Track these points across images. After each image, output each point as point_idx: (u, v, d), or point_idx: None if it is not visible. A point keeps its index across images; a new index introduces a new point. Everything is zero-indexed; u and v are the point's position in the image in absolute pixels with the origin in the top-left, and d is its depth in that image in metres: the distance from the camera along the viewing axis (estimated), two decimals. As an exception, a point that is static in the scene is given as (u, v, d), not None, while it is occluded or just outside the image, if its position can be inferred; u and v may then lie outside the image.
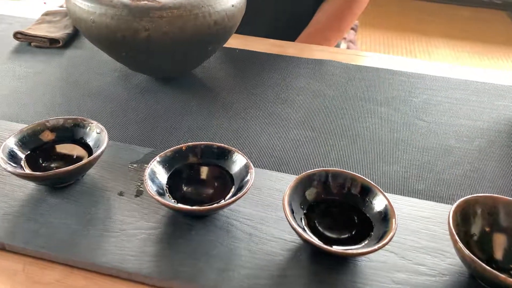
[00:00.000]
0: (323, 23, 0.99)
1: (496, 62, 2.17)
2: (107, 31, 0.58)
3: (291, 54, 0.83)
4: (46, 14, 0.88)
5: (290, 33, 0.98)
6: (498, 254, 0.41)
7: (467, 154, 0.59)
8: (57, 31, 0.82)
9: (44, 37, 0.79)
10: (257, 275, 0.40)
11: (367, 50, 2.16)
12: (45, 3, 1.78)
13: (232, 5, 0.62)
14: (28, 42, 0.80)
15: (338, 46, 1.15)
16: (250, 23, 0.98)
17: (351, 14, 0.98)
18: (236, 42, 0.85)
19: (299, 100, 0.69)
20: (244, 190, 0.42)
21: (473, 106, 0.70)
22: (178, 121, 0.62)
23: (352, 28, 2.06)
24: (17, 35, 0.80)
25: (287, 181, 0.49)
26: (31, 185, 0.47)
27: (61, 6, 1.81)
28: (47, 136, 0.49)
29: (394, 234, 0.39)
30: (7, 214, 0.44)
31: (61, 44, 0.79)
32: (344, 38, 1.86)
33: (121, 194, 0.47)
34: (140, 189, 0.48)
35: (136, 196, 0.47)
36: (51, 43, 0.80)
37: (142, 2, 0.56)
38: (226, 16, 0.61)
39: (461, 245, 0.37)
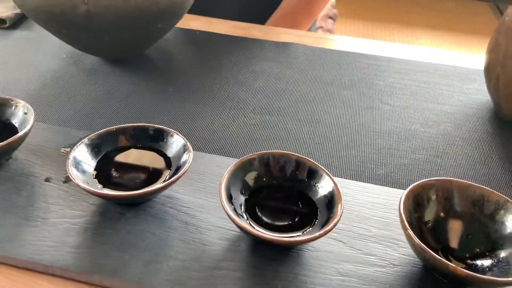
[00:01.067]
0: (293, 6, 0.95)
1: (475, 52, 2.16)
2: (44, 6, 0.53)
3: (256, 37, 0.79)
4: (-4, -6, 0.83)
5: (260, 18, 0.94)
6: (454, 243, 0.38)
7: (432, 139, 0.56)
8: (5, 11, 0.77)
9: (-11, 17, 0.74)
10: (188, 267, 0.36)
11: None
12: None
13: (184, -20, 0.58)
14: (-28, 23, 0.75)
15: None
16: (217, 8, 0.94)
17: (320, 0, 0.95)
18: (197, 24, 0.81)
19: (259, 84, 0.65)
20: (180, 172, 0.38)
21: (442, 90, 0.67)
22: (124, 105, 0.58)
23: (331, 17, 2.03)
24: (-39, 14, 0.75)
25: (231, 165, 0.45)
26: None
27: None
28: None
29: (339, 220, 0.35)
30: None
31: (8, 24, 0.75)
32: (321, 27, 1.82)
33: (47, 180, 0.43)
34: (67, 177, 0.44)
35: (65, 182, 0.43)
36: (-2, 24, 0.75)
37: (81, -26, 0.52)
38: (176, -9, 0.57)
39: (410, 232, 0.34)
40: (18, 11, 0.78)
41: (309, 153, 0.52)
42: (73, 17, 0.53)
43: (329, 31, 1.82)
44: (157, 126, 0.43)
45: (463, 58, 0.76)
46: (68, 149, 0.47)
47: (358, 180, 0.48)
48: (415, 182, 0.37)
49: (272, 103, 0.61)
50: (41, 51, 0.69)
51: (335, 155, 0.52)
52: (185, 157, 0.40)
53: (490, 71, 0.58)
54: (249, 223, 0.37)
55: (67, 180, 0.43)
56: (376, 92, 0.65)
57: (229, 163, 0.45)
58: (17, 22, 0.77)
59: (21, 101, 0.46)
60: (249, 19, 0.91)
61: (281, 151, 0.41)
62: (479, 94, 0.66)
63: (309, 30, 1.03)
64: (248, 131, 0.55)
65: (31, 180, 0.43)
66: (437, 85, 0.68)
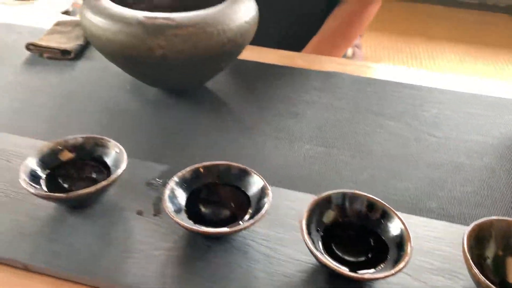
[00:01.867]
0: (334, 30, 1.00)
1: (500, 67, 2.18)
2: (121, 49, 0.59)
3: (300, 66, 0.83)
4: (57, 24, 0.89)
5: (300, 41, 0.99)
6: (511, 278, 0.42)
7: (476, 171, 0.60)
8: (68, 42, 0.83)
9: (56, 49, 0.80)
10: (275, 298, 0.40)
11: (372, 55, 2.16)
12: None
13: (245, 22, 0.63)
14: (40, 53, 0.81)
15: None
16: (259, 31, 0.98)
17: (361, 23, 0.99)
18: (247, 53, 0.86)
19: (310, 114, 0.69)
20: (262, 212, 0.43)
21: (483, 120, 0.70)
22: (189, 136, 0.63)
23: (358, 32, 2.06)
24: (29, 46, 0.81)
25: (302, 200, 0.49)
26: (51, 205, 0.48)
27: (65, 12, 1.81)
28: (66, 155, 0.50)
29: (410, 258, 0.40)
30: (29, 235, 0.45)
31: (72, 55, 0.80)
32: (350, 43, 1.86)
33: (139, 213, 0.48)
34: (158, 207, 0.49)
35: (155, 215, 0.48)
36: (63, 55, 0.80)
37: (158, 20, 0.57)
38: (239, 33, 0.62)
39: (476, 270, 0.38)
40: (81, 42, 0.84)
41: (365, 185, 0.56)
42: (149, 59, 0.59)
43: (357, 46, 1.87)
44: (240, 165, 0.48)
45: (501, 87, 0.80)
46: (152, 183, 0.52)
47: (413, 213, 0.52)
48: (465, 214, 0.41)
49: (325, 134, 0.65)
50: (106, 82, 0.75)
51: (390, 187, 0.56)
52: (265, 200, 0.44)
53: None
54: (327, 258, 0.42)
55: (157, 213, 0.48)
56: (421, 123, 0.69)
57: (299, 198, 0.50)
58: (80, 52, 0.83)
59: (110, 140, 0.51)
60: (290, 43, 0.96)
61: (352, 190, 0.46)
62: (519, 125, 0.69)
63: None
64: (307, 163, 0.59)
65: (124, 214, 0.48)
66: (478, 116, 0.71)
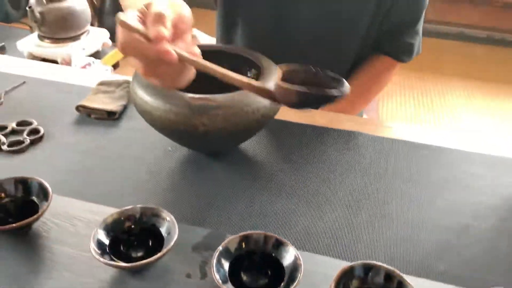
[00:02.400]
0: (354, 90, 1.07)
1: (508, 103, 2.24)
2: (169, 124, 0.67)
3: (321, 124, 0.91)
4: (101, 84, 0.98)
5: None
6: None
7: (483, 232, 0.67)
8: (112, 103, 0.92)
9: (102, 110, 0.89)
10: None
11: (383, 93, 2.24)
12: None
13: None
14: (88, 114, 0.90)
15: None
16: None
17: (378, 89, 1.08)
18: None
19: (335, 177, 0.77)
20: (294, 284, 0.50)
21: (489, 181, 0.77)
22: (228, 198, 0.70)
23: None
24: (79, 107, 0.90)
25: (330, 265, 0.56)
26: (112, 269, 0.56)
27: (87, 65, 1.92)
28: (127, 224, 0.58)
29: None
30: (97, 296, 0.53)
31: (117, 116, 0.89)
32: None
33: (188, 276, 0.56)
34: (204, 271, 0.56)
35: (201, 278, 0.56)
36: (109, 115, 0.89)
37: (201, 101, 0.66)
38: (271, 108, 0.70)
39: None
40: (124, 102, 0.92)
41: (384, 250, 0.63)
42: (192, 133, 0.67)
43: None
44: (276, 236, 0.55)
45: (504, 144, 0.87)
46: (198, 247, 0.59)
47: (424, 277, 0.59)
48: (474, 276, 0.48)
49: (350, 198, 0.72)
50: (149, 142, 0.83)
51: (409, 252, 0.63)
52: (298, 270, 0.52)
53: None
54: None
55: (203, 276, 0.56)
56: (432, 185, 0.76)
57: (332, 264, 0.57)
58: (122, 113, 0.91)
59: (163, 210, 0.59)
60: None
61: (376, 263, 0.53)
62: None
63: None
64: (331, 228, 0.67)
65: (175, 277, 0.56)
66: (483, 176, 0.78)
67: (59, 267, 0.57)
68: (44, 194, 0.62)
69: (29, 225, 0.60)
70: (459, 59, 2.71)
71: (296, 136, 0.87)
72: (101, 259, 0.52)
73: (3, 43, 2.31)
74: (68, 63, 2.06)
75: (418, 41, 1.04)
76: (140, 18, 0.55)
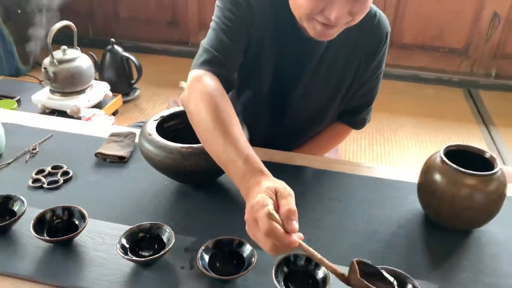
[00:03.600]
0: (316, 145, 1.35)
1: (449, 137, 2.55)
2: (167, 166, 0.94)
3: (298, 163, 1.16)
4: (112, 135, 1.25)
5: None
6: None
7: (387, 235, 0.93)
8: (122, 149, 1.18)
9: (115, 155, 1.15)
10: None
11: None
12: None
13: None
14: (104, 158, 1.16)
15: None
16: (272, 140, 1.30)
17: (339, 141, 1.40)
18: (259, 154, 1.21)
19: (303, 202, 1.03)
20: (250, 267, 0.76)
21: (398, 200, 1.04)
22: (208, 216, 0.96)
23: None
24: (97, 154, 1.16)
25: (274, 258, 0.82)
26: (132, 264, 0.81)
27: (93, 116, 2.18)
28: (140, 234, 0.83)
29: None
30: (119, 282, 0.78)
31: (126, 160, 1.16)
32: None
33: (182, 268, 0.81)
34: (193, 264, 0.82)
35: (191, 269, 0.81)
36: (120, 159, 1.15)
37: (189, 150, 0.93)
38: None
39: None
40: (130, 149, 1.19)
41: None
42: (182, 172, 0.94)
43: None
44: (240, 239, 0.81)
45: (405, 173, 1.14)
46: (188, 248, 0.85)
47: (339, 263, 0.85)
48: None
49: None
50: (151, 178, 1.08)
51: (332, 248, 0.89)
52: (252, 258, 0.78)
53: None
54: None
55: (192, 267, 0.81)
56: (356, 203, 1.03)
57: (279, 257, 0.83)
58: (130, 157, 1.18)
59: (164, 224, 0.85)
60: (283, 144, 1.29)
61: (302, 252, 0.79)
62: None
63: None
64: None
65: (173, 268, 0.81)
66: (394, 196, 1.05)
67: (94, 264, 0.82)
68: (82, 217, 0.87)
69: (72, 238, 0.85)
70: (411, 99, 3.03)
71: (277, 172, 1.14)
72: (125, 256, 0.77)
73: (18, 97, 2.57)
74: (76, 113, 2.33)
75: (370, 115, 1.35)
76: (272, 200, 0.70)
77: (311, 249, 0.69)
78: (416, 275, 0.80)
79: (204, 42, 1.04)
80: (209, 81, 0.94)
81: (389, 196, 1.06)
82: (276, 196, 0.71)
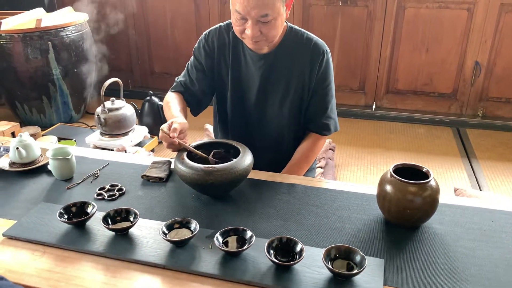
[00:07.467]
0: (298, 159, 1.66)
1: (433, 168, 2.80)
2: (193, 181, 1.26)
3: (279, 181, 1.48)
4: (153, 163, 1.58)
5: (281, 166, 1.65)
6: None
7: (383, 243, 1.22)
8: (161, 173, 1.51)
9: (156, 177, 1.48)
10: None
11: (343, 162, 2.81)
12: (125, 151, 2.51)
13: (247, 165, 1.31)
14: (147, 179, 1.49)
15: (313, 167, 1.81)
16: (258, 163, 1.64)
17: (314, 155, 1.67)
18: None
19: (281, 208, 1.33)
20: (251, 243, 1.06)
21: (363, 215, 1.33)
22: (222, 217, 1.27)
23: (331, 149, 2.74)
24: (143, 176, 1.49)
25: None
26: (170, 245, 1.12)
27: (136, 152, 2.54)
28: (177, 225, 1.15)
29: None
30: (156, 256, 1.09)
31: (164, 180, 1.48)
32: (323, 157, 2.52)
33: (204, 248, 1.11)
34: (212, 244, 1.12)
35: (210, 249, 1.11)
36: (160, 180, 1.48)
37: (209, 168, 1.25)
38: (245, 171, 1.29)
39: None
40: (167, 172, 1.52)
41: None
42: (205, 185, 1.26)
43: (330, 158, 2.53)
44: (243, 228, 1.11)
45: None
46: (209, 238, 1.15)
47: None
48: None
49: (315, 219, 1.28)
50: (182, 192, 1.41)
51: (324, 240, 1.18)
52: (251, 238, 1.08)
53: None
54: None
55: (212, 247, 1.11)
56: (338, 217, 1.31)
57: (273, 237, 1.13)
58: (167, 179, 1.51)
59: (192, 219, 1.16)
60: (272, 167, 1.61)
61: (289, 236, 1.08)
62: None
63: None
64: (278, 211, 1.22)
65: (198, 248, 1.12)
66: (356, 207, 1.34)
67: (143, 245, 1.13)
68: (135, 215, 1.19)
69: (128, 229, 1.17)
70: (404, 137, 3.30)
71: (261, 188, 1.45)
72: (165, 238, 1.09)
73: (75, 139, 2.98)
74: (121, 151, 2.70)
75: (333, 123, 1.65)
76: (168, 126, 1.28)
77: (186, 144, 1.36)
78: (370, 254, 1.08)
79: (177, 78, 1.70)
80: (171, 94, 1.66)
81: (357, 204, 1.35)
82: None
